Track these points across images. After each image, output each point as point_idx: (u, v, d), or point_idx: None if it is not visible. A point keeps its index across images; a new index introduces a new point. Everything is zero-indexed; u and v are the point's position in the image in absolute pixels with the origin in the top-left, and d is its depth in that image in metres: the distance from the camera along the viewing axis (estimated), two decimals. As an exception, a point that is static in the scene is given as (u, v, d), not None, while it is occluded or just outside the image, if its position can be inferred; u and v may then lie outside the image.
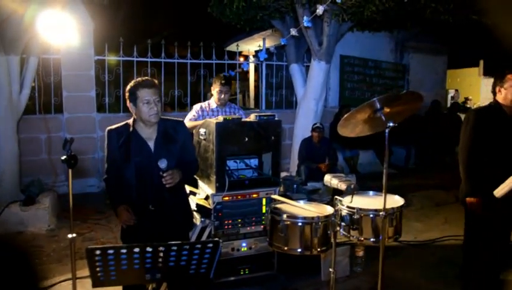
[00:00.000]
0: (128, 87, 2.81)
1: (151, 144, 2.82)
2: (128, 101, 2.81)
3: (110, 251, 1.91)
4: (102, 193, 7.21)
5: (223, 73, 5.14)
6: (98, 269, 1.97)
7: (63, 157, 2.66)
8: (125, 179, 2.80)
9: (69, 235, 2.77)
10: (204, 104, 4.68)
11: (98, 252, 1.91)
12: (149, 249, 1.94)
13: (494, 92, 3.51)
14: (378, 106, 2.49)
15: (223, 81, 4.52)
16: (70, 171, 2.67)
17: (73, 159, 2.65)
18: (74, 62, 7.24)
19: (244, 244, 3.79)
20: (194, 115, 4.58)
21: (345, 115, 2.58)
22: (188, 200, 3.17)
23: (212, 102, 4.65)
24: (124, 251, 1.92)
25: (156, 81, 2.83)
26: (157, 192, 2.80)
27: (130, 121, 2.87)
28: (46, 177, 6.83)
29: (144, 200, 2.81)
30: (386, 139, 2.49)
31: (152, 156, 2.78)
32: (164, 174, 2.66)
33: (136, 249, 1.93)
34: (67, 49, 6.91)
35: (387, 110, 2.52)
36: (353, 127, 2.68)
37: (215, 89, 4.59)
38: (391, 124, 2.47)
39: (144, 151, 2.79)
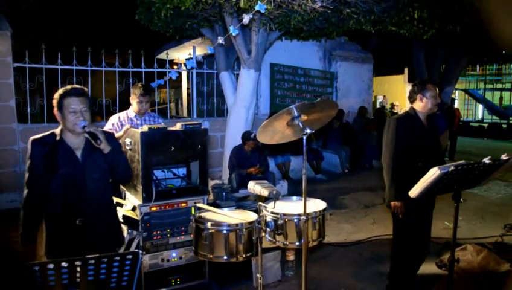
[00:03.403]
0: (56, 94, 2.71)
1: (79, 154, 2.73)
2: (55, 109, 2.71)
3: (24, 269, 1.82)
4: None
5: (141, 82, 5.06)
6: (11, 287, 1.87)
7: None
8: (50, 192, 2.67)
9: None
10: (122, 115, 4.58)
11: (9, 270, 1.81)
12: (64, 264, 1.86)
13: (412, 100, 3.73)
14: (295, 113, 2.57)
15: (142, 91, 4.46)
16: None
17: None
18: (-10, 70, 6.82)
19: (174, 255, 3.75)
20: (110, 129, 4.46)
21: (263, 123, 2.64)
22: (116, 213, 3.10)
23: (131, 111, 4.57)
24: (37, 268, 1.83)
25: (86, 90, 2.75)
26: (85, 205, 2.71)
27: (57, 130, 2.76)
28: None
29: (71, 213, 2.70)
30: (304, 146, 2.58)
31: (80, 166, 2.69)
32: (86, 130, 2.61)
33: (51, 265, 1.85)
34: (-18, 55, 6.51)
35: (304, 117, 2.61)
36: (272, 134, 2.75)
37: (134, 99, 4.52)
38: (308, 131, 2.56)
39: (71, 161, 2.69)
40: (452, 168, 2.80)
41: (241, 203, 4.48)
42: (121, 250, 3.51)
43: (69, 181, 2.67)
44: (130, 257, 1.98)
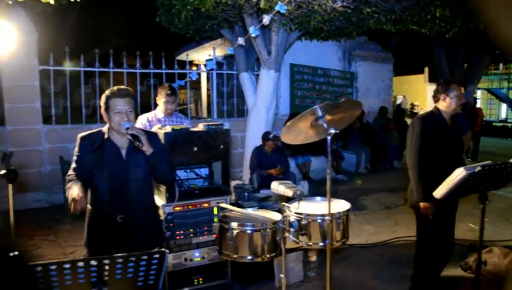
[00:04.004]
0: (103, 96, 2.79)
1: (124, 153, 2.79)
2: (102, 110, 2.78)
3: (52, 267, 1.86)
4: (50, 208, 6.97)
5: (168, 83, 5.11)
6: (40, 286, 1.90)
7: (2, 172, 2.56)
8: (96, 187, 2.76)
9: (11, 254, 2.66)
10: (150, 115, 4.63)
11: (39, 268, 1.84)
12: (94, 262, 1.89)
13: (436, 99, 3.68)
14: (319, 113, 2.56)
15: (168, 92, 4.50)
16: (10, 186, 2.58)
17: (13, 174, 2.56)
18: (16, 73, 6.95)
19: (197, 254, 3.78)
20: (141, 127, 4.52)
21: (287, 123, 2.64)
22: (157, 213, 3.14)
23: (159, 112, 4.62)
24: (67, 265, 1.87)
25: (131, 91, 2.81)
26: (128, 203, 2.77)
27: (104, 128, 2.84)
28: (-12, 194, 6.49)
29: (113, 210, 2.76)
30: (328, 146, 2.56)
31: (124, 164, 2.76)
32: (129, 132, 2.65)
33: (80, 263, 1.88)
34: (8, 58, 6.63)
35: (328, 117, 2.60)
36: (296, 134, 2.74)
37: (161, 99, 4.56)
38: (333, 131, 2.55)
39: (117, 160, 2.77)
40: (479, 168, 2.76)
41: (263, 204, 4.49)
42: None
43: (114, 178, 2.75)
44: (157, 255, 2.01)
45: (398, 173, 9.15)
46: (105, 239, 2.79)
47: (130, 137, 2.69)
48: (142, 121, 4.59)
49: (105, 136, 2.80)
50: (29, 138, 7.09)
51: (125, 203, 2.78)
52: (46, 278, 1.87)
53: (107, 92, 2.78)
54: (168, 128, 3.59)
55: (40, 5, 5.48)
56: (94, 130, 2.87)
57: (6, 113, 6.98)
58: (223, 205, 3.38)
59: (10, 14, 5.84)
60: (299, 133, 2.71)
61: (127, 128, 2.66)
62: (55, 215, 6.50)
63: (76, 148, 2.81)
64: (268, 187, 5.86)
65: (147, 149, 2.71)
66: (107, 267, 1.93)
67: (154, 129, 4.25)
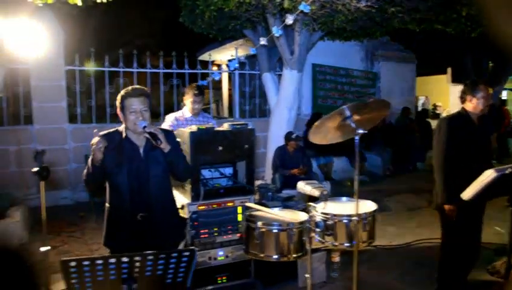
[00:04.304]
0: (118, 96, 2.82)
1: (141, 151, 2.83)
2: (118, 110, 2.81)
3: (86, 262, 1.89)
4: (75, 205, 7.09)
5: (195, 83, 5.16)
6: (73, 281, 1.94)
7: (35, 169, 2.63)
8: (117, 185, 2.79)
9: (42, 249, 2.73)
10: (178, 114, 4.68)
11: (73, 263, 1.88)
12: (125, 259, 1.92)
13: (463, 100, 3.63)
14: (347, 113, 2.56)
15: (196, 92, 4.53)
16: (42, 183, 2.64)
17: (46, 171, 2.62)
18: (44, 72, 7.13)
19: (220, 253, 3.78)
20: (170, 125, 4.58)
21: (316, 123, 2.64)
22: (177, 210, 3.16)
23: (186, 111, 4.66)
24: (99, 261, 1.90)
25: (147, 90, 2.83)
26: (148, 201, 2.80)
27: (121, 128, 2.87)
28: (16, 191, 6.62)
29: (134, 208, 2.79)
30: (356, 146, 2.55)
31: (143, 162, 2.80)
32: (147, 130, 2.67)
33: (112, 260, 1.91)
34: (36, 59, 6.77)
35: (356, 117, 2.59)
36: (324, 134, 2.74)
37: (188, 99, 4.59)
38: (361, 131, 2.54)
39: (136, 158, 2.80)
40: (509, 170, 2.72)
41: (288, 204, 4.48)
42: (180, 246, 3.60)
43: (134, 176, 2.78)
44: (187, 253, 2.03)
45: (421, 175, 9.04)
46: (126, 238, 2.80)
47: (147, 135, 2.71)
48: (170, 119, 4.64)
49: (123, 135, 2.83)
50: (55, 137, 7.23)
51: (145, 201, 2.80)
52: (79, 273, 1.92)
53: (122, 92, 2.80)
54: (194, 128, 3.61)
55: (67, 6, 5.58)
56: (111, 130, 2.88)
57: (34, 112, 7.15)
58: (250, 204, 3.39)
59: (36, 16, 5.96)
60: (327, 133, 2.71)
61: (144, 127, 2.68)
62: (81, 213, 6.62)
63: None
64: (291, 187, 5.92)
65: (165, 146, 2.71)
66: (137, 264, 1.96)
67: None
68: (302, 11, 5.23)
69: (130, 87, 2.82)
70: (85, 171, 2.80)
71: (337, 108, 2.56)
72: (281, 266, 4.05)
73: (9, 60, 6.13)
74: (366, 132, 2.56)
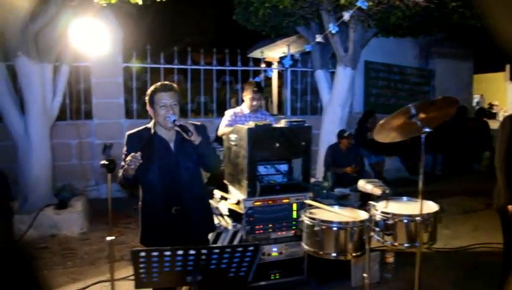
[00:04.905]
0: (147, 91, 2.86)
1: (172, 145, 2.85)
2: (148, 105, 2.86)
3: (155, 253, 1.96)
4: (128, 198, 7.33)
5: (254, 80, 5.19)
6: (141, 270, 2.02)
7: (103, 162, 2.74)
8: (148, 182, 2.82)
9: (108, 238, 2.85)
10: (237, 110, 4.74)
11: (142, 254, 1.96)
12: (192, 251, 1.98)
13: None
14: (413, 111, 2.50)
15: (255, 89, 4.57)
16: (109, 175, 2.75)
17: (113, 164, 2.73)
18: (103, 69, 7.44)
19: (274, 249, 3.80)
20: (229, 120, 4.65)
21: (381, 122, 2.60)
22: (208, 201, 3.16)
23: (245, 108, 4.71)
24: (168, 253, 1.97)
25: (175, 85, 2.86)
26: (181, 194, 2.82)
27: (150, 124, 2.90)
28: (77, 182, 6.94)
29: (168, 203, 2.82)
30: (422, 144, 2.50)
31: (174, 156, 2.82)
32: (177, 123, 2.68)
33: (180, 252, 1.97)
34: (97, 56, 7.07)
35: (422, 115, 2.53)
36: (388, 133, 2.70)
37: (247, 96, 4.64)
38: (427, 130, 2.48)
39: (167, 153, 2.83)
40: None
41: (343, 202, 4.45)
42: (225, 242, 3.65)
43: (166, 171, 2.80)
44: (251, 248, 2.06)
45: (477, 176, 8.71)
46: (162, 233, 2.82)
47: (178, 129, 2.72)
48: (229, 114, 4.71)
49: (152, 131, 2.85)
50: (112, 131, 7.50)
51: (178, 194, 2.81)
52: (147, 263, 2.00)
53: (151, 88, 2.84)
54: (251, 124, 3.65)
55: (127, 5, 5.76)
56: (141, 127, 2.92)
57: (94, 107, 7.46)
58: (309, 201, 3.39)
59: (99, 16, 6.21)
60: (390, 131, 2.67)
61: (174, 121, 2.70)
62: (135, 205, 6.81)
63: (125, 148, 2.90)
64: (343, 185, 5.87)
65: (196, 138, 2.71)
66: (203, 257, 2.02)
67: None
68: (359, 7, 5.15)
69: (159, 83, 2.85)
70: (119, 176, 2.85)
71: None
72: (334, 264, 4.01)
73: (73, 58, 6.43)
74: (432, 130, 2.50)
